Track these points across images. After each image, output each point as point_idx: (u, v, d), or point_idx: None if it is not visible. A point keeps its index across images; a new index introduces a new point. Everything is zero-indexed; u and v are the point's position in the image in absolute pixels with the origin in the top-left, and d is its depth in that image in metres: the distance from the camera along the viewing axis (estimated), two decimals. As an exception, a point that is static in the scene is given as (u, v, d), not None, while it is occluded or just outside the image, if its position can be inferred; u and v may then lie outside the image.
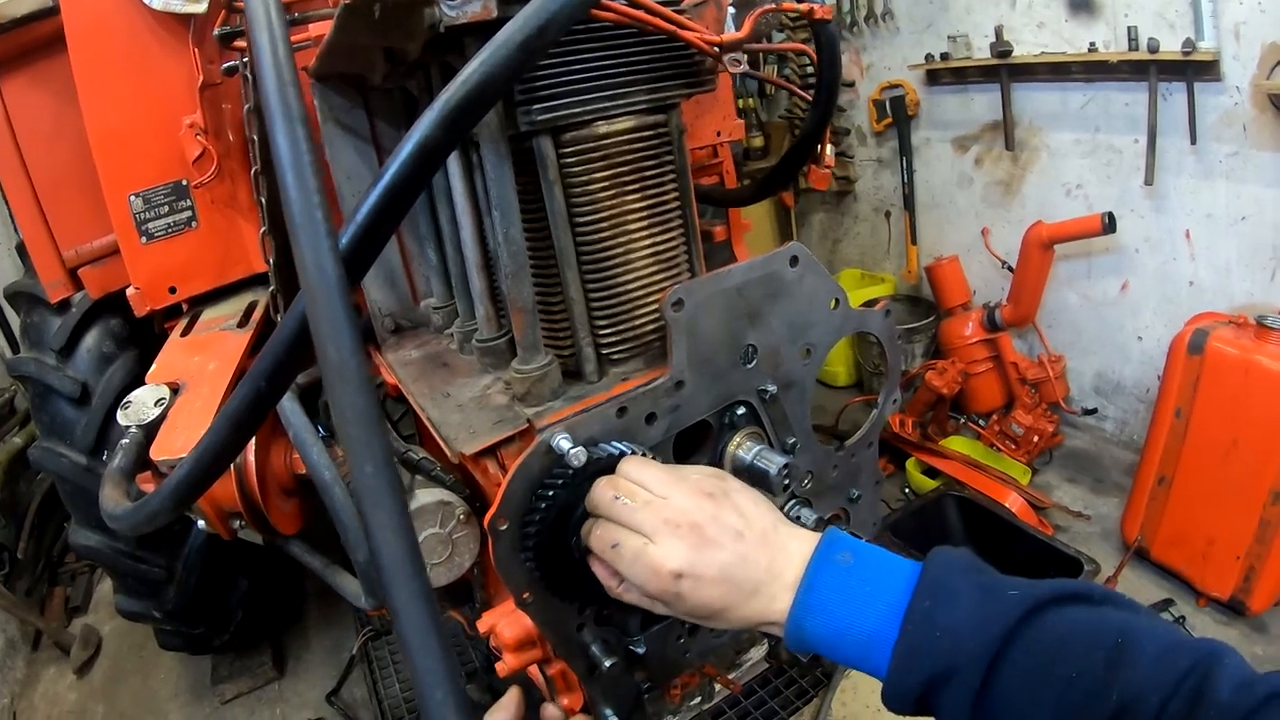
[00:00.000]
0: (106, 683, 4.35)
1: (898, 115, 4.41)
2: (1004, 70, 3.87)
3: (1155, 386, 3.42)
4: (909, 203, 4.61)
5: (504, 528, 1.04)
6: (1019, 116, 3.95)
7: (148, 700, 4.17)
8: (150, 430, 1.53)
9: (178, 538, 3.35)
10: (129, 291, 2.03)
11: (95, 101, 1.87)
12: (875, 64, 4.60)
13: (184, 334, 1.93)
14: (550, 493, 1.02)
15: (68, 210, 2.38)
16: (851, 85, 4.74)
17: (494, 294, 1.33)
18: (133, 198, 1.92)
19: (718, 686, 1.63)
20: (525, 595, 1.11)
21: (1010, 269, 3.97)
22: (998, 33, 3.85)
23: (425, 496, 1.48)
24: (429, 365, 1.54)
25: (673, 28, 1.07)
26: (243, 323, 1.90)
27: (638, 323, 1.23)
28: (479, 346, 1.35)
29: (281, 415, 1.42)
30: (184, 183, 1.95)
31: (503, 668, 1.26)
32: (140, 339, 3.22)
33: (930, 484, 3.86)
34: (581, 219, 1.15)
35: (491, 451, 1.15)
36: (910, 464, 4.01)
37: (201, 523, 1.60)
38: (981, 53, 3.97)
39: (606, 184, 1.16)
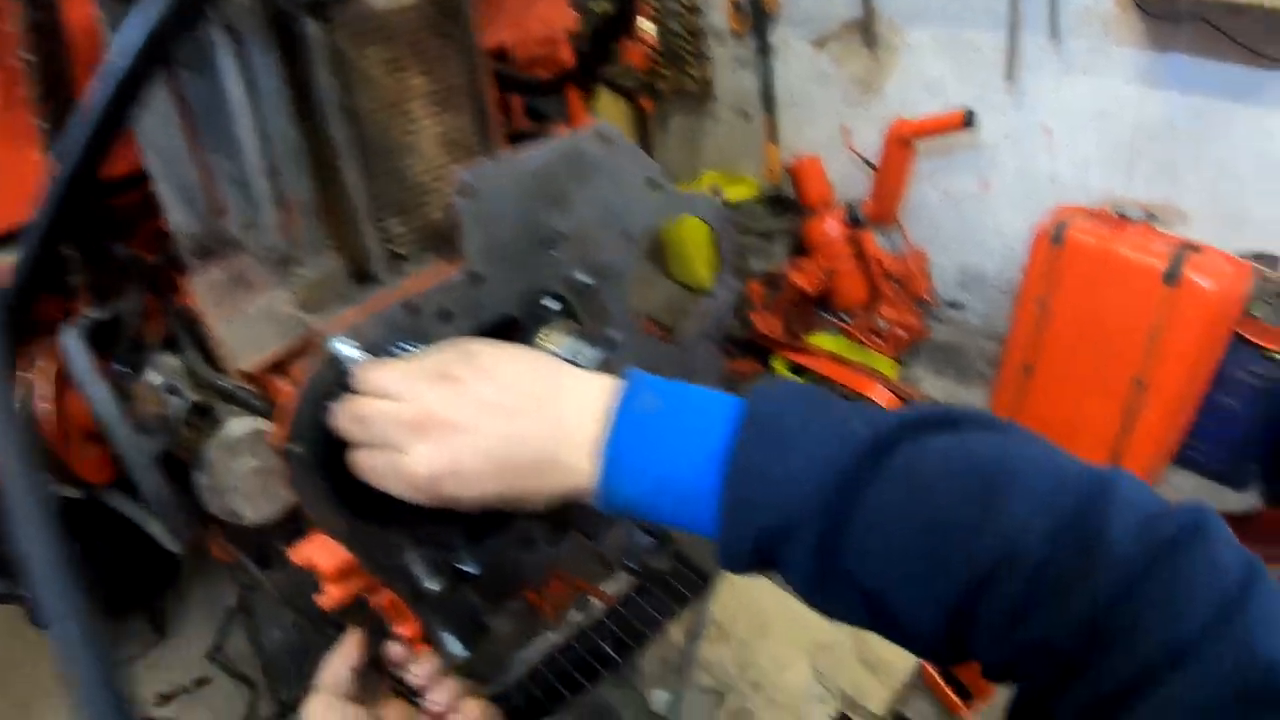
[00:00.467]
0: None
1: (756, 13, 4.32)
2: (856, -39, 3.81)
3: (1017, 279, 3.50)
4: (768, 103, 4.55)
5: (298, 450, 0.96)
6: (879, 11, 3.92)
7: (45, 683, 3.84)
8: None
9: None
10: None
11: None
12: (731, -41, 4.48)
13: None
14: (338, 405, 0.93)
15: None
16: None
17: (279, 198, 1.22)
18: None
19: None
20: (332, 521, 1.03)
21: (872, 166, 3.99)
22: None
23: (238, 427, 1.37)
24: (231, 286, 1.40)
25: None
26: None
27: (428, 214, 1.13)
28: (268, 256, 1.24)
29: (63, 353, 1.29)
30: None
31: (326, 600, 1.17)
32: None
33: (799, 380, 3.89)
34: (356, 105, 1.05)
35: (281, 368, 1.05)
36: (777, 362, 4.05)
37: None
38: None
39: (383, 65, 1.06)
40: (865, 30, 3.94)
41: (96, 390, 1.27)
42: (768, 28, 4.37)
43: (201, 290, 1.50)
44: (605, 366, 1.22)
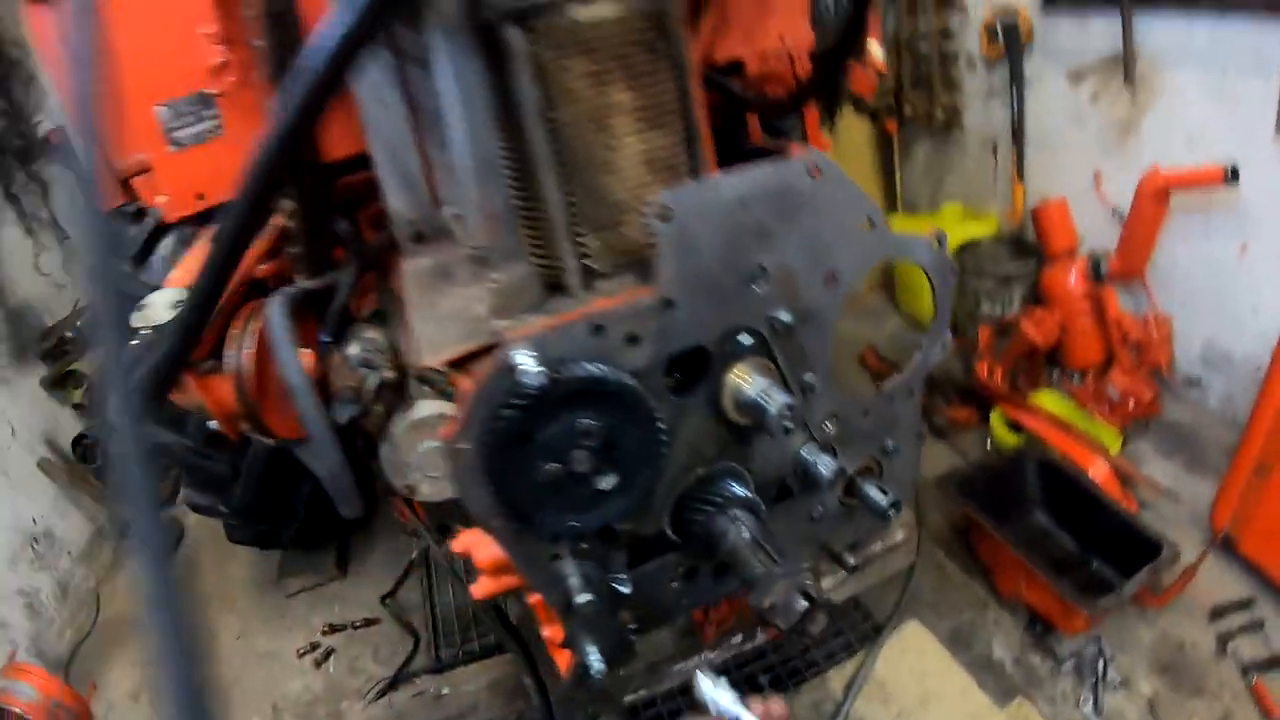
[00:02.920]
0: (185, 572, 4.58)
1: (1009, 41, 4.06)
2: (1124, -7, 3.48)
3: (1267, 364, 3.10)
4: (1017, 137, 4.26)
5: (465, 448, 0.97)
6: (1140, 47, 3.57)
7: (220, 589, 4.42)
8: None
9: (243, 439, 3.43)
10: (157, 201, 2.04)
11: (117, 14, 1.86)
12: (987, -18, 4.23)
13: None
14: (508, 414, 0.93)
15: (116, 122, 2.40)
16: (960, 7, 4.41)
17: (483, 200, 1.24)
18: (159, 108, 1.91)
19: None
20: (492, 521, 1.04)
21: (1121, 217, 3.66)
22: (1124, -52, 3.46)
23: (426, 408, 1.43)
24: (434, 275, 1.48)
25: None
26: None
27: (626, 233, 1.11)
28: (471, 255, 1.26)
29: (265, 319, 1.39)
30: (208, 92, 1.92)
31: (478, 589, 1.24)
32: None
33: (1014, 440, 3.67)
34: (557, 116, 1.04)
35: (464, 365, 1.07)
36: (995, 416, 3.83)
37: (213, 423, 1.63)
38: (1105, -32, 3.57)
39: (586, 78, 1.04)
40: (1125, 67, 3.60)
41: (288, 358, 1.36)
42: (1022, 56, 4.09)
43: (409, 276, 1.57)
44: (797, 414, 1.16)
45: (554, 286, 1.13)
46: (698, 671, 1.08)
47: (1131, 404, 3.65)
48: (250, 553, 4.49)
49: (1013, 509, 3.22)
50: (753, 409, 1.11)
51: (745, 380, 1.14)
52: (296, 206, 1.56)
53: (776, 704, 1.10)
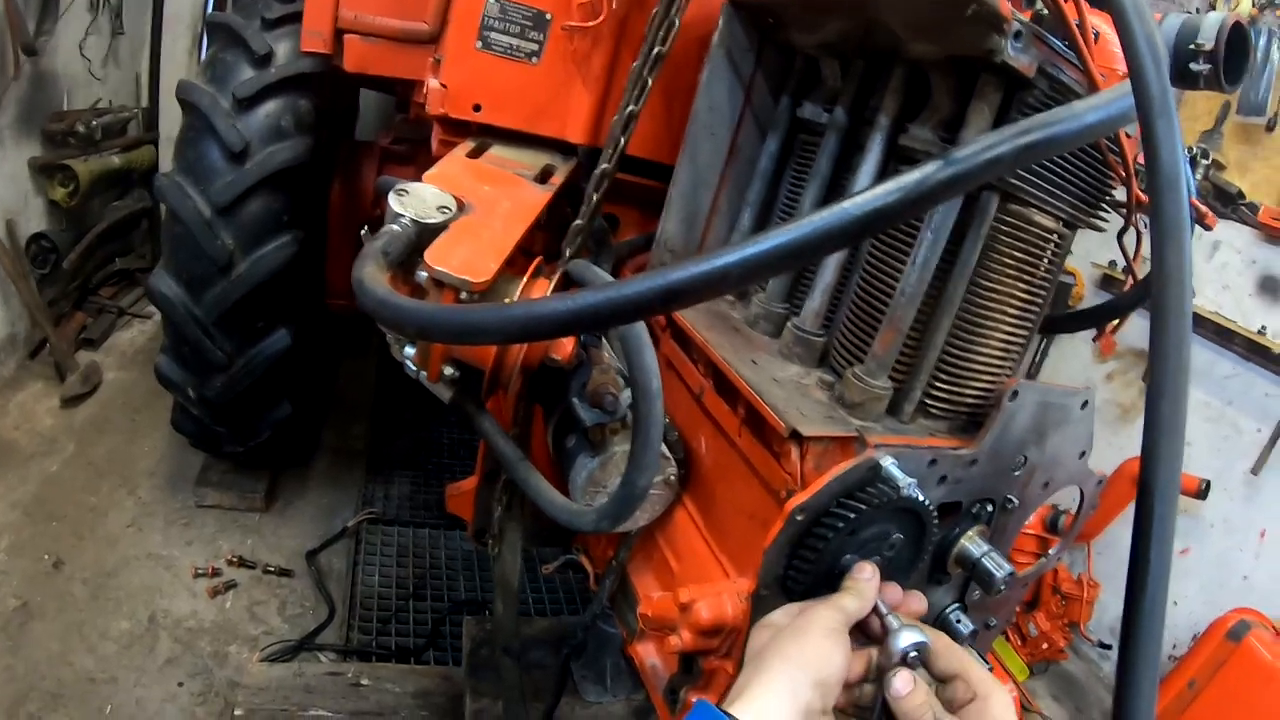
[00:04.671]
0: (88, 426, 4.33)
1: (1056, 300, 4.49)
2: (1173, 310, 3.96)
3: (1169, 651, 3.53)
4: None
5: (799, 519, 1.10)
6: (1165, 352, 4.04)
7: (122, 464, 4.11)
8: (426, 231, 1.34)
9: (258, 333, 3.28)
10: (430, 84, 1.90)
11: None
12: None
13: (472, 156, 1.84)
14: (863, 506, 1.07)
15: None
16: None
17: (835, 294, 1.41)
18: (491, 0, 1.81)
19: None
20: (764, 590, 1.15)
21: (1093, 486, 4.03)
22: (1183, 275, 3.95)
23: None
24: (716, 320, 1.57)
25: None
26: (541, 180, 1.81)
27: (966, 391, 1.30)
28: (796, 334, 1.42)
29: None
30: (547, 16, 1.83)
31: (675, 643, 1.26)
32: (317, 134, 3.15)
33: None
34: (981, 280, 1.24)
35: (801, 439, 1.19)
36: (928, 629, 4.06)
37: (410, 349, 1.42)
38: (1159, 285, 4.06)
39: (1014, 263, 1.25)
40: (1148, 366, 4.05)
41: (652, 362, 1.26)
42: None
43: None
44: (1010, 578, 1.33)
45: (891, 407, 1.30)
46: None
47: (1044, 645, 3.99)
48: (165, 439, 4.21)
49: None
50: (977, 567, 1.29)
51: (974, 541, 1.32)
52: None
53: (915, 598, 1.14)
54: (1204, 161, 3.91)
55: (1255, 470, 3.66)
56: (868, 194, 0.84)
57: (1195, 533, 3.89)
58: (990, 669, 1.04)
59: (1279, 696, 3.00)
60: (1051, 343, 4.59)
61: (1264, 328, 3.70)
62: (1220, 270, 3.89)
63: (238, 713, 2.67)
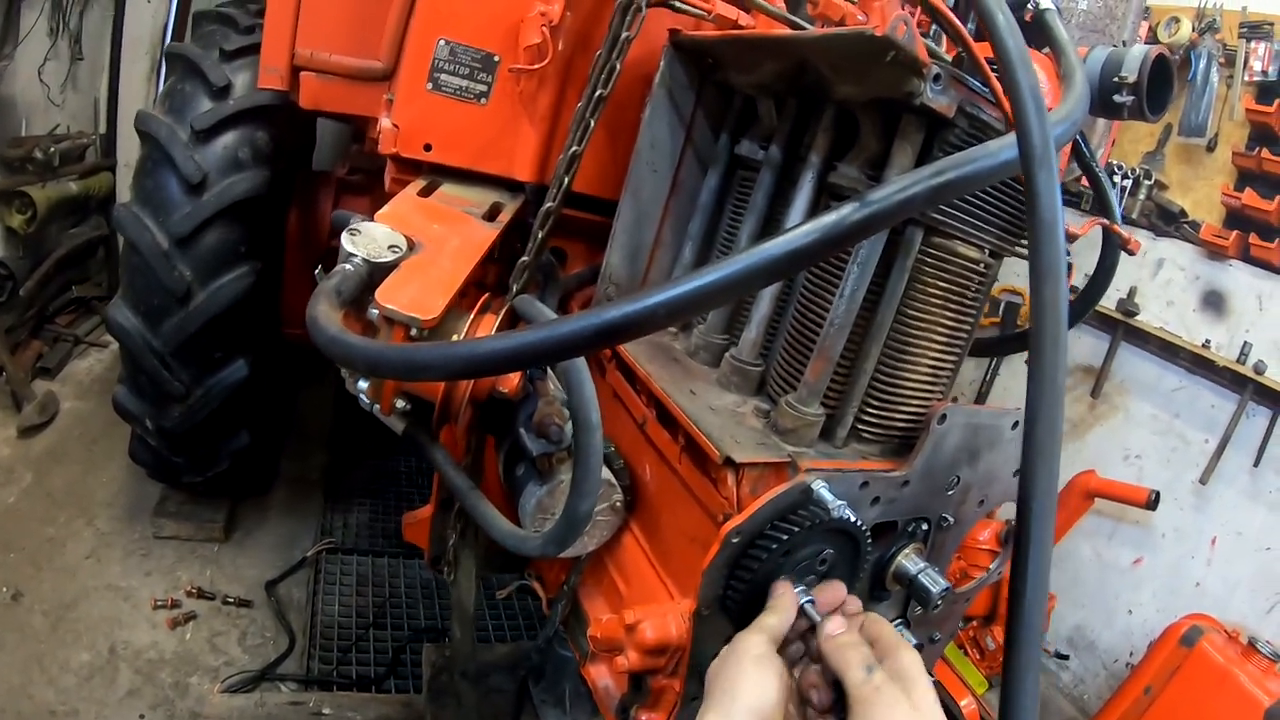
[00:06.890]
0: (45, 457, 4.28)
1: (1007, 316, 4.61)
2: (1121, 327, 4.09)
3: (1125, 659, 3.61)
4: (980, 400, 4.79)
5: (735, 541, 1.14)
6: (1115, 371, 4.16)
7: (80, 495, 4.07)
8: (378, 270, 1.38)
9: (216, 363, 3.27)
10: (383, 124, 1.94)
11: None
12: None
13: (422, 194, 1.87)
14: (795, 528, 1.12)
15: (328, 12, 2.30)
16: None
17: (770, 325, 1.46)
18: (442, 42, 1.86)
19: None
20: (704, 609, 1.20)
21: (1046, 501, 4.11)
22: (1130, 292, 4.08)
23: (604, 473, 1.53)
24: (658, 352, 1.63)
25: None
26: (489, 217, 1.84)
27: (896, 415, 1.35)
28: (733, 364, 1.47)
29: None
30: (495, 58, 1.88)
31: (623, 663, 1.30)
32: (274, 165, 3.16)
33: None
34: (908, 309, 1.29)
35: (736, 465, 1.23)
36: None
37: (364, 383, 1.45)
38: (1109, 303, 4.17)
39: (939, 292, 1.30)
40: (1096, 383, 4.16)
41: (591, 395, 1.29)
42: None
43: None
44: (946, 594, 1.39)
45: (824, 432, 1.34)
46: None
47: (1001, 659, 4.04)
48: (123, 471, 4.16)
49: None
50: (914, 585, 1.34)
51: (910, 559, 1.38)
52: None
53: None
54: (1146, 182, 4.05)
55: (1203, 480, 3.76)
56: (787, 235, 0.89)
57: (1147, 543, 3.98)
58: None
59: (1233, 698, 3.06)
60: (1002, 363, 4.69)
61: (1208, 341, 3.81)
62: (1164, 287, 4.01)
63: (200, 744, 2.65)
